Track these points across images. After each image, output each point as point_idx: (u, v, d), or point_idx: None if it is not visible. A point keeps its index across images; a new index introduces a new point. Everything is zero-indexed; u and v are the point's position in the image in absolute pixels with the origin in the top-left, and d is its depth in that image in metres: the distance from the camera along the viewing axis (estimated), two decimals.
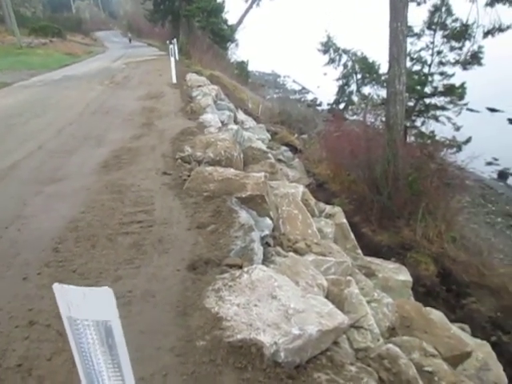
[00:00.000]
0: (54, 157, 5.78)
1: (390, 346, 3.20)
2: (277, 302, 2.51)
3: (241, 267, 2.97)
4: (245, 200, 4.09)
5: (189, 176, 4.70)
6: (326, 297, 3.61)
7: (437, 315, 5.43)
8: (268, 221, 3.98)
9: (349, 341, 3.26)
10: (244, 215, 3.60)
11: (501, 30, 12.68)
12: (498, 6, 12.44)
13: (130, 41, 42.25)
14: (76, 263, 3.13)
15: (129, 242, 3.38)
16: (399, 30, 8.32)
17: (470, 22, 13.89)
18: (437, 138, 15.80)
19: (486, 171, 18.16)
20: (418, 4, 13.62)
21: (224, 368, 2.12)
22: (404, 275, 5.73)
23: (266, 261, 3.56)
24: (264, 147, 7.14)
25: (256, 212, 4.07)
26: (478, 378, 5.09)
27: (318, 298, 2.71)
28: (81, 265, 3.11)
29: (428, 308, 5.59)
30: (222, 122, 8.47)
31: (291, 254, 3.92)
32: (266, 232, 3.84)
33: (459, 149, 15.03)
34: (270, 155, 7.07)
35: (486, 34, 13.02)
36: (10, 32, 31.51)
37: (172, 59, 12.84)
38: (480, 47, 14.27)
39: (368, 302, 4.39)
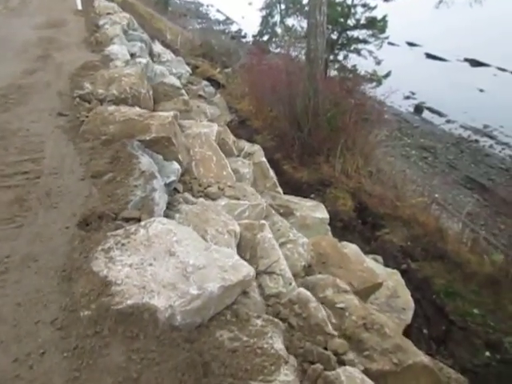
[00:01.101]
0: None
1: (301, 290, 3.16)
2: (175, 260, 2.29)
3: (139, 220, 2.70)
4: (149, 143, 3.73)
5: (87, 117, 4.20)
6: (239, 243, 3.49)
7: (352, 249, 5.59)
8: (175, 165, 3.68)
9: (260, 288, 3.18)
10: (145, 161, 3.26)
11: None
12: None
13: None
14: None
15: (10, 198, 2.94)
16: None
17: None
18: (358, 71, 15.90)
19: (404, 105, 18.79)
20: None
21: (112, 339, 1.90)
22: (321, 212, 5.77)
23: (172, 210, 3.31)
24: (177, 83, 6.61)
25: (162, 156, 3.75)
26: (388, 305, 5.40)
27: (222, 250, 2.52)
28: None
29: (344, 242, 5.72)
30: (133, 55, 7.72)
31: (201, 199, 3.69)
32: (173, 178, 3.55)
33: (379, 83, 15.25)
34: (183, 91, 6.58)
35: None
36: None
37: None
38: None
39: (284, 243, 4.36)
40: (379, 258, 6.26)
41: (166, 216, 3.17)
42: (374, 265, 5.60)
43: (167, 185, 3.48)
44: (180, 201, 3.49)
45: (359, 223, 7.13)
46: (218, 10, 38.42)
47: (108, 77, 5.10)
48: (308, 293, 3.13)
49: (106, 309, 1.98)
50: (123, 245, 2.36)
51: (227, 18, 35.45)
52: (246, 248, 3.49)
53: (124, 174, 3.13)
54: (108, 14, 10.89)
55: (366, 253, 6.22)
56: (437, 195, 9.62)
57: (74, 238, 2.53)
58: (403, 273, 6.03)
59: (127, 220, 2.71)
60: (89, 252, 2.35)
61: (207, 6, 41.09)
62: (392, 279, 5.60)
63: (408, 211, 7.37)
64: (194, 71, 13.22)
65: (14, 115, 4.35)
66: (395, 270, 5.84)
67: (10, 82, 5.28)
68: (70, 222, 2.70)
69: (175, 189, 3.76)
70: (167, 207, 3.30)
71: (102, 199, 2.90)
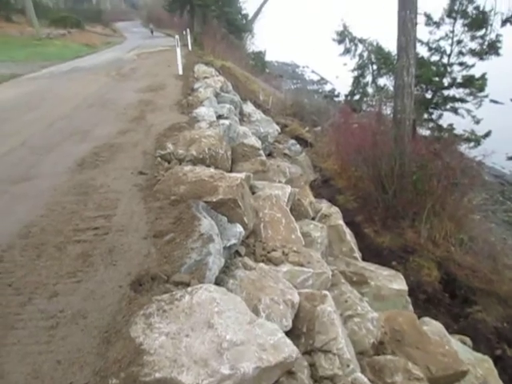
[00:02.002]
0: (34, 153, 5.56)
1: (358, 375, 2.86)
2: (212, 332, 2.19)
3: (188, 285, 2.67)
4: (216, 204, 3.78)
5: (163, 176, 4.41)
6: (297, 313, 3.30)
7: (435, 326, 5.07)
8: (238, 228, 3.66)
9: (313, 367, 2.93)
10: (206, 223, 3.27)
11: None
12: None
13: (151, 32, 41.05)
14: (15, 275, 2.89)
15: (77, 252, 3.11)
16: (408, 18, 7.80)
17: (487, 10, 13.10)
18: (454, 131, 15.15)
19: (508, 166, 17.38)
20: None
21: None
22: (399, 283, 5.33)
23: (227, 274, 3.26)
24: (257, 144, 6.77)
25: (228, 218, 3.76)
26: None
27: (266, 325, 2.37)
28: (19, 277, 2.86)
29: (426, 318, 5.22)
30: (221, 116, 8.15)
31: (261, 265, 3.60)
32: (234, 241, 3.52)
33: (478, 143, 14.35)
34: (261, 152, 6.71)
35: (505, 21, 12.22)
36: (31, 23, 31.68)
37: (178, 50, 12.54)
38: (498, 36, 13.48)
39: (350, 317, 4.07)
40: (468, 340, 5.56)
41: (220, 281, 3.13)
42: (460, 348, 4.99)
43: (227, 248, 3.46)
44: (238, 265, 3.43)
45: (446, 297, 6.47)
46: (313, 71, 39.76)
47: (189, 138, 5.37)
48: (365, 379, 2.82)
49: (134, 380, 1.93)
50: (164, 311, 2.33)
51: (321, 79, 36.48)
52: (304, 320, 3.28)
53: (184, 236, 3.17)
54: (205, 77, 11.77)
55: (452, 332, 5.58)
56: None
57: (124, 299, 2.57)
58: (497, 360, 5.29)
59: (177, 284, 2.70)
60: (131, 315, 2.35)
61: (303, 67, 42.85)
62: (482, 367, 4.90)
63: (506, 287, 6.56)
64: (282, 130, 13.56)
65: (101, 172, 4.72)
66: (486, 357, 5.11)
67: (104, 142, 5.81)
68: (125, 281, 2.75)
69: (237, 251, 3.72)
70: (223, 271, 3.26)
71: (158, 260, 2.94)
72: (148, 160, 5.07)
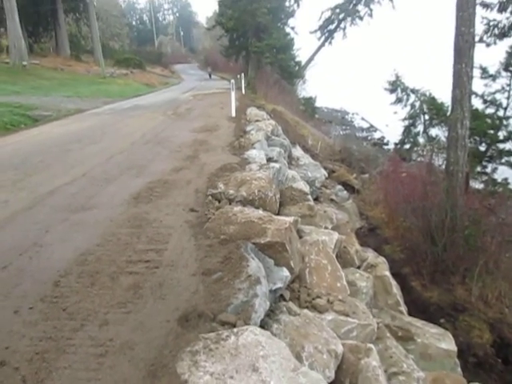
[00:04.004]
0: (94, 185, 5.88)
1: None
2: (256, 377, 2.18)
3: (234, 326, 2.69)
4: (263, 247, 3.81)
5: (214, 215, 4.52)
6: (340, 365, 3.22)
7: None
8: (285, 272, 3.66)
9: None
10: (254, 265, 3.31)
11: None
12: None
13: (210, 76, 42.41)
14: (70, 301, 3.01)
15: (129, 283, 3.22)
16: (463, 71, 7.79)
17: None
18: (510, 186, 14.62)
19: None
20: (487, 45, 12.84)
21: None
22: (447, 343, 5.07)
23: (272, 318, 3.25)
24: (305, 188, 6.82)
25: (274, 261, 3.77)
26: None
27: (310, 375, 2.34)
28: (73, 303, 2.98)
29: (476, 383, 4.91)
30: (271, 159, 8.30)
31: (305, 311, 3.56)
32: (279, 285, 3.52)
33: None
34: (309, 197, 6.74)
35: None
36: (97, 62, 34.10)
37: (232, 93, 13.04)
38: None
39: (395, 374, 3.91)
40: None
41: (265, 324, 3.12)
42: None
43: (273, 291, 3.46)
44: (283, 310, 3.41)
45: (498, 363, 6.05)
46: (363, 118, 39.89)
47: (240, 179, 5.51)
48: None
49: None
50: (211, 350, 2.35)
51: (371, 126, 36.47)
52: (347, 373, 3.19)
53: (232, 276, 3.21)
54: (257, 120, 12.09)
55: None
56: None
57: (170, 333, 2.61)
58: None
59: (223, 323, 2.72)
60: (178, 351, 2.38)
61: (352, 113, 43.12)
62: None
63: None
64: (330, 175, 13.57)
65: (154, 207, 4.90)
66: None
67: (159, 178, 6.06)
68: (172, 316, 2.81)
69: (282, 296, 3.71)
70: (268, 315, 3.25)
71: (205, 297, 2.98)
72: (199, 198, 5.22)
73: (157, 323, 2.75)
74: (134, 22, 72.41)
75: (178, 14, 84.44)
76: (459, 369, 5.28)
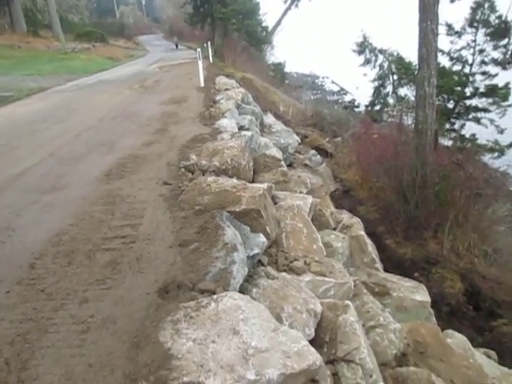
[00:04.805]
0: (63, 164, 5.76)
1: None
2: (237, 339, 2.25)
3: (214, 293, 2.74)
4: (239, 214, 3.85)
5: (188, 187, 4.51)
6: (320, 323, 3.33)
7: (458, 339, 5.02)
8: (261, 238, 3.72)
9: (336, 377, 2.96)
10: (230, 233, 3.34)
11: None
12: None
13: (176, 46, 41.14)
14: (47, 282, 3.00)
15: (106, 260, 3.22)
16: (429, 29, 7.81)
17: (510, 19, 13.02)
18: (478, 141, 14.99)
19: None
20: (452, 1, 12.86)
21: None
22: (421, 295, 5.29)
23: (251, 283, 3.32)
24: (278, 154, 6.84)
25: (250, 228, 3.82)
26: None
27: (290, 333, 2.42)
28: (51, 284, 2.97)
29: (449, 331, 5.17)
30: (243, 127, 8.26)
31: (283, 274, 3.65)
32: (257, 251, 3.58)
33: (502, 153, 14.17)
34: (282, 163, 6.78)
35: None
36: (57, 37, 32.67)
37: (200, 63, 12.76)
38: None
39: (372, 327, 4.08)
40: (493, 353, 5.46)
41: (244, 290, 3.19)
42: (485, 361, 4.92)
43: (250, 257, 3.52)
44: (261, 274, 3.48)
45: (470, 310, 6.37)
46: (333, 82, 39.80)
47: (212, 149, 5.48)
48: None
49: (163, 383, 1.99)
50: (191, 317, 2.40)
51: (341, 89, 36.48)
52: (327, 330, 3.31)
53: (208, 245, 3.24)
54: (226, 89, 11.93)
55: (477, 346, 5.49)
56: None
57: (151, 305, 2.65)
58: None
59: (203, 292, 2.77)
60: (159, 321, 2.42)
61: (323, 77, 42.92)
62: (508, 381, 4.81)
63: None
64: (303, 141, 13.61)
65: (127, 182, 4.85)
66: None
67: (129, 153, 5.97)
68: (152, 288, 2.83)
69: (259, 261, 3.78)
70: (247, 280, 3.32)
71: (184, 268, 3.02)
72: (172, 171, 5.19)
73: (137, 296, 2.77)
74: None
75: None
76: (433, 318, 5.54)
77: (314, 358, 2.29)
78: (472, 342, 5.16)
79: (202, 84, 12.57)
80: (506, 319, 6.21)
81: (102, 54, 32.75)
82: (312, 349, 2.36)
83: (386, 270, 6.38)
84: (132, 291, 2.83)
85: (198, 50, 13.09)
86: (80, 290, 2.88)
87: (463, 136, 15.33)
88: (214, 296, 2.62)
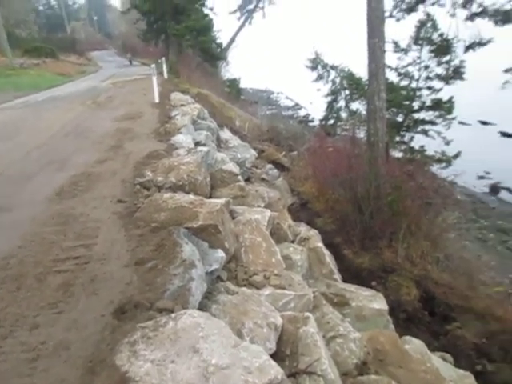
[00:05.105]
0: (11, 183, 5.51)
1: None
2: (197, 357, 2.20)
3: (172, 312, 2.68)
4: (196, 230, 3.80)
5: (143, 204, 4.43)
6: (281, 336, 3.33)
7: (416, 345, 5.13)
8: (219, 253, 3.69)
9: None
10: (187, 249, 3.30)
11: (481, 44, 12.57)
12: (478, 21, 12.37)
13: (130, 62, 40.29)
14: None
15: (58, 283, 3.09)
16: (377, 46, 8.15)
17: (451, 37, 13.83)
18: (426, 152, 15.65)
19: (478, 185, 17.92)
20: (397, 20, 13.52)
21: None
22: (379, 303, 5.41)
23: (211, 299, 3.27)
24: (235, 169, 6.86)
25: (209, 243, 3.79)
26: None
27: (251, 348, 2.40)
28: None
29: (407, 337, 5.28)
30: (199, 143, 8.23)
31: (243, 289, 3.63)
32: (215, 266, 3.55)
33: (449, 164, 14.85)
34: (239, 178, 6.80)
35: (467, 48, 12.91)
36: (3, 53, 31.51)
37: (154, 78, 12.65)
38: (462, 61, 14.20)
39: (333, 338, 4.11)
40: (448, 356, 5.63)
41: (204, 306, 3.14)
42: (441, 365, 5.05)
43: (209, 273, 3.49)
44: (221, 290, 3.45)
45: (425, 315, 6.56)
46: (288, 97, 40.53)
47: (168, 165, 5.42)
48: None
49: None
50: (149, 338, 2.33)
51: (296, 104, 37.20)
52: (288, 343, 3.31)
53: (166, 262, 3.18)
54: (181, 105, 11.87)
55: (434, 349, 5.65)
56: None
57: (106, 328, 2.56)
58: (478, 375, 5.35)
59: (161, 310, 2.71)
60: (115, 344, 2.34)
61: (277, 93, 43.63)
62: (464, 383, 4.96)
63: (482, 303, 6.70)
64: (259, 155, 13.70)
65: (80, 201, 4.70)
66: (468, 373, 5.17)
67: (82, 171, 5.80)
68: (107, 309, 2.74)
69: (219, 277, 3.75)
70: (206, 297, 3.28)
71: (140, 287, 2.94)
72: (127, 188, 5.08)
73: (91, 319, 2.67)
74: (41, 8, 67.31)
75: None
76: (391, 325, 5.66)
77: (275, 371, 2.27)
78: (429, 346, 5.29)
79: (157, 100, 12.45)
80: (460, 322, 6.44)
81: (53, 70, 31.88)
82: (273, 363, 2.34)
83: (344, 280, 6.48)
84: (86, 314, 2.73)
85: (153, 65, 12.99)
86: (30, 316, 2.75)
87: (413, 148, 15.97)
88: (173, 314, 2.56)
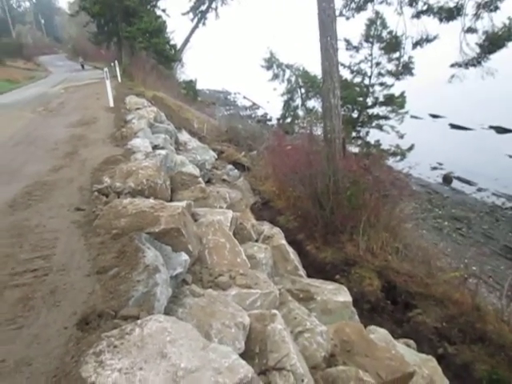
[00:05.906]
0: None
1: None
2: (166, 362, 2.19)
3: (137, 318, 2.64)
4: (159, 235, 3.76)
5: (102, 211, 4.33)
6: (249, 335, 3.34)
7: (380, 333, 5.27)
8: (183, 256, 3.67)
9: None
10: (151, 254, 3.26)
11: (428, 40, 13.08)
12: (424, 18, 12.87)
13: (82, 66, 39.19)
14: None
15: (16, 297, 2.97)
16: (329, 44, 8.32)
17: (399, 34, 14.31)
18: (381, 146, 16.14)
19: (432, 176, 18.65)
20: (347, 19, 13.87)
21: None
22: (343, 295, 5.53)
23: (176, 303, 3.25)
24: (195, 171, 6.83)
25: (172, 247, 3.75)
26: None
27: (219, 349, 2.40)
28: None
29: (372, 326, 5.42)
30: (157, 146, 8.13)
31: (209, 291, 3.62)
32: (180, 270, 3.52)
33: (403, 156, 15.37)
34: (200, 180, 6.77)
35: (415, 44, 13.41)
36: None
37: (108, 82, 12.39)
38: (410, 58, 14.73)
39: (301, 333, 4.16)
40: (412, 342, 5.83)
41: (170, 311, 3.12)
42: (406, 350, 5.22)
43: (174, 277, 3.45)
44: (186, 293, 3.43)
45: (388, 304, 6.77)
46: (245, 97, 40.67)
47: (126, 170, 5.33)
48: None
49: None
50: (115, 347, 2.29)
51: (254, 104, 37.38)
52: (256, 341, 3.34)
53: (129, 269, 3.13)
54: (137, 109, 11.69)
55: (397, 337, 5.83)
56: (474, 268, 9.16)
57: (70, 340, 2.49)
58: (440, 358, 5.56)
59: (126, 318, 2.66)
60: (80, 355, 2.29)
61: (235, 93, 43.74)
62: (427, 366, 5.14)
63: (441, 289, 6.97)
64: (219, 156, 13.70)
65: (35, 212, 4.54)
66: (430, 356, 5.36)
67: (36, 180, 5.60)
68: (70, 321, 2.67)
69: (184, 280, 3.72)
70: (172, 301, 3.25)
71: (103, 296, 2.88)
72: (85, 195, 4.96)
73: (54, 332, 2.60)
74: None
75: (35, 0, 76.97)
76: (356, 316, 5.81)
77: (245, 370, 2.29)
78: (393, 334, 5.46)
79: (112, 104, 12.20)
80: (420, 309, 6.68)
81: None
82: (243, 362, 2.36)
83: (308, 276, 6.58)
84: (48, 327, 2.65)
85: (105, 69, 12.72)
86: None
87: (368, 142, 16.44)
88: (138, 321, 2.53)
